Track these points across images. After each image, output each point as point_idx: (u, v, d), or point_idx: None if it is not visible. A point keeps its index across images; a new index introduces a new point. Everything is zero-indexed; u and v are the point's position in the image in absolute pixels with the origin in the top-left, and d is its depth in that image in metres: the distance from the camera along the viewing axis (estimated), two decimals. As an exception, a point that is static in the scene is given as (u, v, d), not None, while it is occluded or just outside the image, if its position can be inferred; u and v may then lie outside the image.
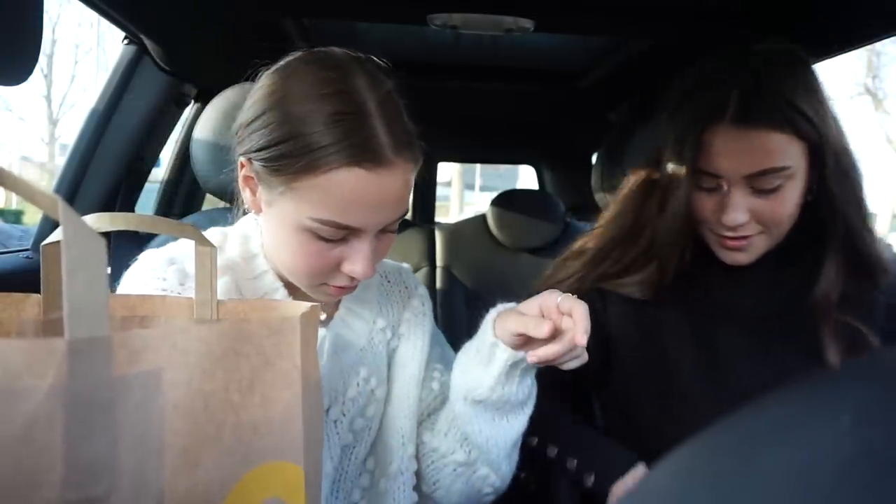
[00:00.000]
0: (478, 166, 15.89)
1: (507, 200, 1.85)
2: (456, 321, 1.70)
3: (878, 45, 9.66)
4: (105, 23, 1.15)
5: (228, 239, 0.71)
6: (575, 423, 0.89)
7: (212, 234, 0.70)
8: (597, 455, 0.82)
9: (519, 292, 0.75)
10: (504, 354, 0.64)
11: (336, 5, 1.22)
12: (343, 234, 0.61)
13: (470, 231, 1.88)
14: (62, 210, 0.32)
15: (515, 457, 0.75)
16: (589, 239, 0.92)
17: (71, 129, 14.86)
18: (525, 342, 0.62)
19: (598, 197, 1.36)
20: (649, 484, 0.22)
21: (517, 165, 5.00)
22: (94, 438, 0.33)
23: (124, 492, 0.34)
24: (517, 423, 0.70)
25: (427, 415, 0.76)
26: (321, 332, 0.68)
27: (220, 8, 1.17)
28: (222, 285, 0.64)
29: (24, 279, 1.13)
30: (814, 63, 0.77)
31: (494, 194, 1.90)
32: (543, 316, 0.59)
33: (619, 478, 0.78)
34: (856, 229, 0.78)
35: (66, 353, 0.31)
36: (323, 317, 0.71)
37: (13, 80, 0.60)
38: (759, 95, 0.72)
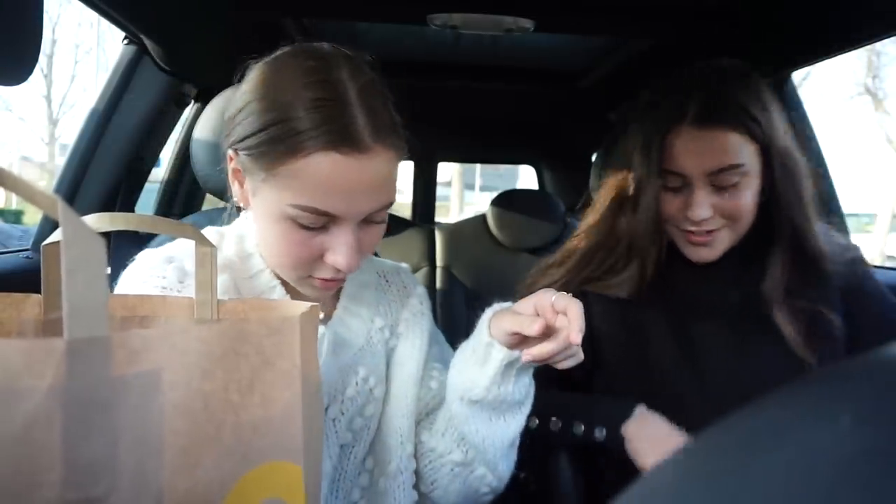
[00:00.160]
0: (478, 166, 15.89)
1: (507, 200, 1.85)
2: (456, 321, 1.70)
3: (878, 45, 9.67)
4: (105, 23, 1.15)
5: (225, 238, 0.72)
6: (564, 392, 0.92)
7: (208, 233, 0.70)
8: (600, 411, 0.85)
9: (519, 292, 0.76)
10: (499, 354, 0.64)
11: (336, 5, 1.22)
12: (323, 221, 0.60)
13: (470, 231, 1.88)
14: (61, 210, 0.32)
15: (513, 457, 0.75)
16: (570, 247, 0.98)
17: (71, 129, 14.88)
18: (520, 341, 0.62)
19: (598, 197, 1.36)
20: (649, 484, 0.22)
21: (517, 165, 5.00)
22: (94, 438, 0.33)
23: (124, 492, 0.34)
24: (514, 422, 0.70)
25: (425, 414, 0.76)
26: (319, 330, 0.68)
27: (220, 8, 1.17)
28: (220, 284, 0.64)
29: (25, 279, 1.13)
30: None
31: (494, 194, 1.90)
32: (538, 315, 0.59)
33: (626, 421, 0.82)
34: (801, 227, 0.86)
35: (65, 353, 0.31)
36: (321, 316, 0.72)
37: (13, 80, 0.60)
38: (716, 99, 0.81)
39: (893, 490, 0.16)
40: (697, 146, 0.81)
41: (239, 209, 0.72)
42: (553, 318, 0.58)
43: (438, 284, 1.80)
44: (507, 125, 2.39)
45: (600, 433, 0.83)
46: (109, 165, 1.33)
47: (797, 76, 1.38)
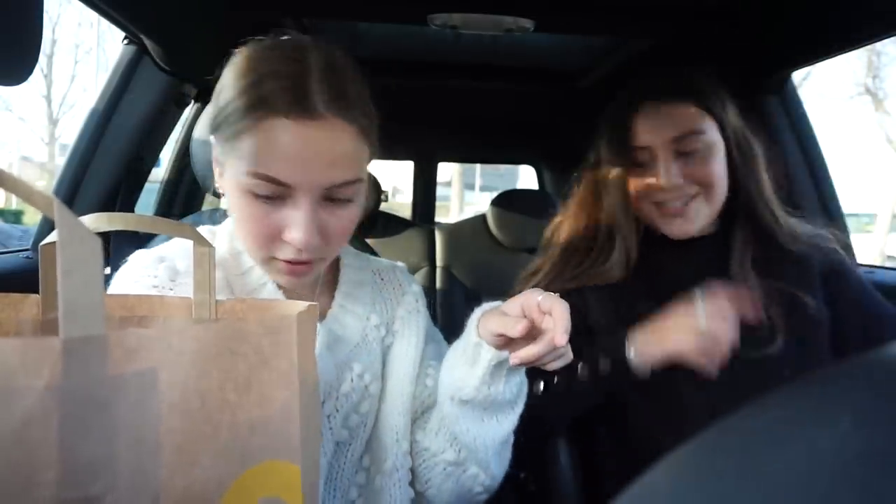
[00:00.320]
0: (478, 166, 15.90)
1: (507, 200, 1.85)
2: (456, 321, 1.69)
3: (878, 45, 9.67)
4: (105, 23, 1.15)
5: (217, 236, 0.73)
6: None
7: (201, 232, 0.71)
8: (596, 345, 0.88)
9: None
10: (488, 354, 0.64)
11: (336, 5, 1.22)
12: (279, 191, 0.60)
13: (470, 231, 1.88)
14: (57, 210, 0.32)
15: (507, 456, 0.75)
16: (550, 251, 1.03)
17: (71, 129, 14.89)
18: (507, 342, 0.61)
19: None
20: (649, 484, 0.22)
21: (517, 165, 5.00)
22: (91, 437, 0.33)
23: (121, 491, 0.34)
24: (506, 422, 0.70)
25: (420, 412, 0.76)
26: None
27: (220, 8, 1.17)
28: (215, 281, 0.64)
29: (24, 279, 1.12)
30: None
31: (494, 194, 1.91)
32: (525, 315, 0.59)
33: (628, 341, 0.84)
34: (758, 203, 0.92)
35: (61, 352, 0.31)
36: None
37: (13, 80, 0.60)
38: (674, 78, 0.92)
39: (893, 491, 0.16)
40: (658, 118, 0.89)
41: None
42: (540, 319, 0.58)
43: (438, 284, 1.80)
44: (507, 125, 2.39)
45: (605, 365, 0.84)
46: (109, 165, 1.33)
47: (797, 76, 1.38)
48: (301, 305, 0.48)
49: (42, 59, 0.77)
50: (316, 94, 0.59)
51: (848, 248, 1.18)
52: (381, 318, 0.77)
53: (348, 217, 0.65)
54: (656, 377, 0.88)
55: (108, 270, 1.05)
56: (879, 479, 0.16)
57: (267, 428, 0.41)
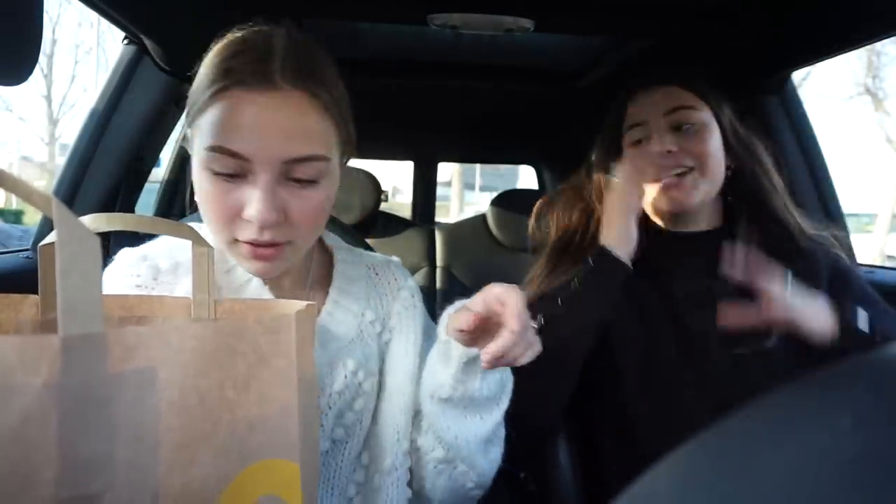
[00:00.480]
0: (478, 166, 15.90)
1: (507, 200, 1.85)
2: (456, 321, 1.70)
3: (878, 45, 9.67)
4: (105, 23, 1.14)
5: (202, 232, 0.72)
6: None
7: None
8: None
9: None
10: (457, 352, 0.64)
11: (336, 5, 1.22)
12: (237, 166, 0.59)
13: (470, 231, 1.88)
14: (56, 209, 0.32)
15: (494, 454, 0.74)
16: (544, 254, 1.03)
17: (71, 129, 14.89)
18: (473, 339, 0.61)
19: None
20: (649, 484, 0.22)
21: (517, 165, 5.00)
22: (90, 435, 0.33)
23: (120, 489, 0.34)
24: (490, 419, 0.69)
25: (416, 411, 0.76)
26: None
27: (220, 8, 1.17)
28: None
29: (24, 279, 1.12)
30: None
31: (494, 194, 1.91)
32: (487, 309, 0.59)
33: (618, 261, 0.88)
34: (764, 193, 0.95)
35: (60, 350, 0.31)
36: None
37: (13, 80, 0.60)
38: (668, 65, 0.98)
39: (893, 492, 0.16)
40: (652, 97, 0.95)
41: None
42: (500, 311, 0.57)
43: (438, 284, 1.80)
44: (508, 125, 2.38)
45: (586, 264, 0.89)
46: (109, 165, 1.33)
47: (797, 76, 1.38)
48: (300, 305, 0.48)
49: (42, 59, 0.77)
50: (277, 67, 0.59)
51: (849, 249, 1.18)
52: (376, 314, 0.76)
53: (315, 199, 0.63)
54: (656, 377, 0.88)
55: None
56: (879, 480, 0.16)
57: (266, 426, 0.41)
